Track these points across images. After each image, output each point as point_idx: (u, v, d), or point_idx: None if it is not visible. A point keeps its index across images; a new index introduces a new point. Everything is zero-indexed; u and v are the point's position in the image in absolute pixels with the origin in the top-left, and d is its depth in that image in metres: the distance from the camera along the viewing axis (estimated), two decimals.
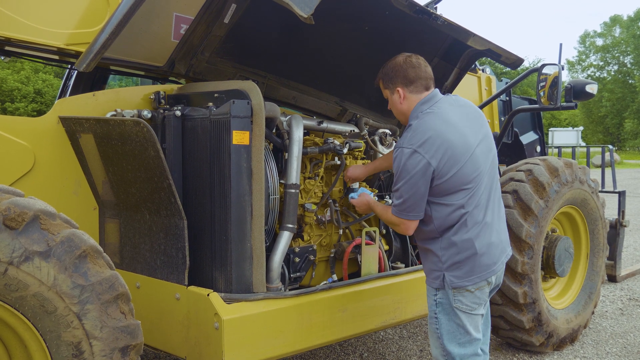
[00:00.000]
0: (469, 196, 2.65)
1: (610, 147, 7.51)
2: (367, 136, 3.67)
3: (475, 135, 2.71)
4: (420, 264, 3.81)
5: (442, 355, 2.77)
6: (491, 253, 2.71)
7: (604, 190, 6.63)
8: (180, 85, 3.35)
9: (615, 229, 6.41)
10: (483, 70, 5.91)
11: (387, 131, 3.85)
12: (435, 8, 4.38)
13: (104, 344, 2.15)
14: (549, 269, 4.35)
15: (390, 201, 3.62)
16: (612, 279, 6.56)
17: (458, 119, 2.70)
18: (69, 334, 2.10)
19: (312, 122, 3.50)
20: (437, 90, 2.81)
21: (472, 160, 2.65)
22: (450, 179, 2.61)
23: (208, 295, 2.66)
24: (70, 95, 3.80)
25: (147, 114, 2.97)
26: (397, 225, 2.76)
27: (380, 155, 3.71)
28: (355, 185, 3.52)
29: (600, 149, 7.75)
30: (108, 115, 2.94)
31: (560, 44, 4.58)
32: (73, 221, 2.22)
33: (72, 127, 2.93)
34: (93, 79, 3.88)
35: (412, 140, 2.62)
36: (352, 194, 3.37)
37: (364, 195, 3.26)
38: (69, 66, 3.77)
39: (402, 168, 2.62)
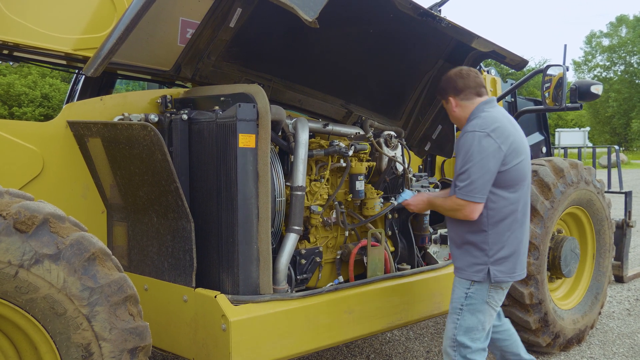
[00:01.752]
0: (520, 194, 2.85)
1: (617, 147, 7.48)
2: (372, 138, 3.68)
3: (525, 141, 2.97)
4: (426, 264, 3.83)
5: (451, 346, 2.92)
6: (526, 253, 2.95)
7: (610, 190, 6.61)
8: (186, 89, 3.38)
9: (622, 230, 6.39)
10: (488, 72, 5.91)
11: (392, 133, 3.87)
12: (440, 10, 4.39)
13: (113, 345, 2.18)
14: (555, 270, 4.35)
15: (395, 202, 3.67)
16: (619, 279, 6.54)
17: (515, 124, 2.97)
18: (78, 336, 2.12)
19: (317, 125, 3.52)
20: (494, 97, 3.10)
21: (526, 161, 2.89)
22: (511, 169, 2.80)
23: (215, 297, 2.68)
24: (77, 99, 3.84)
25: (154, 117, 3.00)
26: (462, 208, 2.80)
27: (386, 156, 3.72)
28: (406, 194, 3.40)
29: (606, 150, 7.72)
30: (115, 120, 2.97)
31: (565, 45, 4.58)
32: (82, 224, 2.25)
33: (80, 131, 2.97)
34: (100, 84, 3.92)
35: (483, 126, 2.81)
36: (402, 197, 3.35)
37: (418, 195, 3.28)
38: (77, 71, 3.81)
39: (473, 149, 2.76)
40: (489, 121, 2.83)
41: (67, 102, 3.97)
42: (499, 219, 2.83)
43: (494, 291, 2.89)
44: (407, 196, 3.34)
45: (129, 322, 2.23)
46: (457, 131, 4.29)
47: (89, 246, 2.16)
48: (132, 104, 3.12)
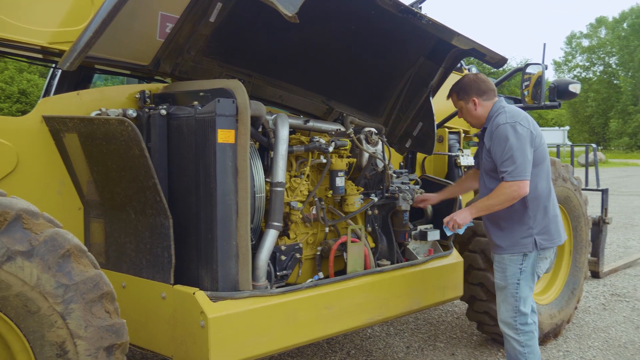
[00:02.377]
0: (546, 171, 3.36)
1: (594, 145, 7.59)
2: (352, 135, 3.68)
3: None
4: (406, 260, 3.85)
5: (513, 317, 3.35)
6: (561, 222, 3.43)
7: (587, 188, 6.70)
8: (165, 85, 3.34)
9: (599, 226, 6.49)
10: (469, 70, 5.95)
11: (373, 130, 3.87)
12: (420, 8, 4.41)
13: (88, 343, 2.15)
14: None
15: (375, 198, 3.73)
16: (595, 275, 6.64)
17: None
18: (52, 334, 2.09)
19: (298, 121, 3.51)
20: (503, 97, 3.54)
21: (545, 143, 3.37)
22: (538, 150, 3.28)
23: (194, 293, 2.66)
24: (54, 94, 3.78)
25: (132, 113, 2.96)
26: (517, 190, 3.16)
27: (366, 153, 3.72)
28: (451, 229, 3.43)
29: (584, 148, 7.83)
30: (93, 115, 2.93)
31: (544, 44, 4.63)
32: (56, 220, 2.21)
33: (56, 126, 2.92)
34: (77, 78, 3.85)
35: (511, 118, 3.26)
36: (458, 231, 3.41)
37: (461, 212, 3.40)
38: (53, 65, 3.75)
39: (509, 138, 3.19)
40: (515, 113, 3.31)
41: (44, 97, 3.90)
42: (535, 195, 3.28)
43: (541, 262, 3.38)
44: (461, 231, 3.43)
45: (105, 320, 2.20)
46: (437, 128, 4.31)
47: (64, 242, 2.12)
48: (109, 99, 3.07)
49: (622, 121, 49.63)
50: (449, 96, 3.62)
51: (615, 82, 52.72)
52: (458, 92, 3.52)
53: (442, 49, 3.87)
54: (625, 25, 52.02)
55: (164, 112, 2.90)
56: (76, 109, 2.97)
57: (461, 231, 3.43)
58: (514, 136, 3.19)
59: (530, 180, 3.20)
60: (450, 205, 4.06)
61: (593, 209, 7.89)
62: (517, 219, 3.31)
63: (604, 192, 6.70)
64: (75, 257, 2.15)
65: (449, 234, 3.46)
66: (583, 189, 5.46)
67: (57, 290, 2.08)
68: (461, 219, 3.36)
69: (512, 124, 3.22)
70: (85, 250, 2.21)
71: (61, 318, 2.09)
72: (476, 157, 3.72)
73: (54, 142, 2.98)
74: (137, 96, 3.12)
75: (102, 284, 2.20)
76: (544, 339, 4.44)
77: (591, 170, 7.25)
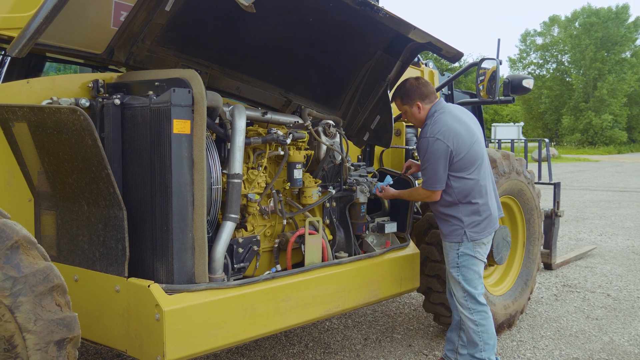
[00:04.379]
0: (478, 171, 3.58)
1: (547, 141, 7.79)
2: (310, 127, 3.68)
3: (476, 127, 3.68)
4: (364, 252, 3.88)
5: (463, 297, 3.66)
6: (495, 214, 3.69)
7: (540, 182, 6.88)
8: (120, 74, 3.27)
9: (551, 219, 6.67)
10: (426, 65, 6.02)
11: (331, 122, 3.88)
12: (377, 1, 4.43)
13: (38, 337, 2.09)
14: (488, 257, 4.48)
15: (333, 191, 3.78)
16: (547, 266, 6.84)
17: (461, 116, 3.66)
18: (0, 328, 2.02)
19: (256, 113, 3.49)
20: (442, 98, 3.78)
21: (477, 144, 3.60)
22: (464, 157, 3.52)
23: (148, 286, 2.62)
24: (2, 82, 3.65)
25: (85, 102, 2.89)
26: (428, 196, 3.64)
27: (324, 145, 3.73)
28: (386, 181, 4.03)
29: (537, 143, 8.03)
30: (43, 104, 2.84)
31: (499, 40, 4.72)
32: (4, 212, 2.14)
33: (4, 115, 2.82)
34: (28, 66, 3.74)
35: (432, 131, 3.52)
36: (377, 184, 3.99)
37: (386, 190, 3.97)
38: (2, 52, 3.63)
39: (428, 152, 3.51)
40: (437, 126, 3.53)
41: None
42: (465, 193, 3.55)
43: (478, 246, 3.62)
44: (387, 182, 4.00)
45: (55, 313, 2.14)
46: (395, 122, 4.35)
47: (12, 234, 2.05)
48: (61, 88, 2.98)
49: (574, 118, 51.12)
50: (392, 100, 3.85)
51: (567, 79, 54.23)
52: (402, 97, 3.73)
53: (400, 42, 3.90)
54: (577, 24, 53.53)
55: (117, 101, 2.84)
56: (26, 97, 2.87)
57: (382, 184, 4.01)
58: (430, 151, 3.50)
59: (457, 182, 3.54)
60: (407, 200, 4.11)
61: (546, 203, 8.12)
62: (449, 213, 3.63)
63: (556, 185, 6.89)
64: (24, 248, 2.09)
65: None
66: (536, 183, 5.60)
67: (4, 282, 2.01)
68: (384, 195, 3.99)
69: (431, 138, 3.50)
70: (35, 242, 2.15)
71: (9, 311, 2.03)
72: None
73: (3, 131, 2.88)
74: (90, 85, 3.05)
75: (52, 276, 2.14)
76: (498, 329, 4.54)
77: (544, 165, 7.45)
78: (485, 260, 3.72)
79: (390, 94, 4.17)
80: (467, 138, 3.54)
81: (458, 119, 3.60)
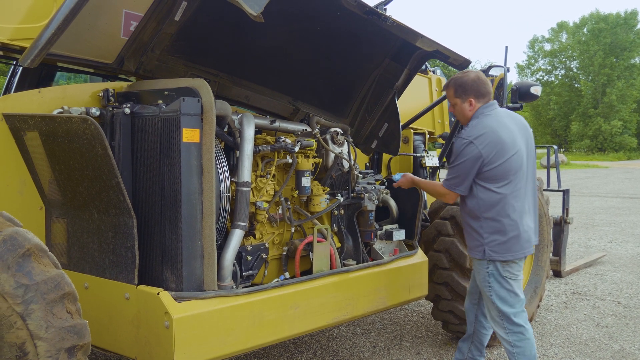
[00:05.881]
0: (510, 186, 3.33)
1: (555, 147, 7.76)
2: (318, 135, 3.70)
3: (522, 138, 3.43)
4: (372, 260, 3.89)
5: (498, 316, 3.45)
6: (528, 234, 3.41)
7: (549, 188, 6.85)
8: (130, 83, 3.31)
9: (560, 226, 6.64)
10: (434, 72, 6.04)
11: (339, 130, 3.90)
12: (385, 9, 4.46)
13: (49, 344, 2.11)
14: None
15: (341, 199, 3.79)
16: (557, 274, 6.80)
17: (509, 123, 3.41)
18: (12, 335, 2.05)
19: (264, 121, 3.51)
20: (495, 101, 3.53)
21: (517, 156, 3.34)
22: (498, 167, 3.30)
23: (158, 294, 2.64)
24: (15, 92, 3.70)
25: (95, 111, 2.92)
26: (445, 194, 3.50)
27: (332, 153, 3.75)
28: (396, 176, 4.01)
29: (546, 150, 8.00)
30: (55, 113, 2.88)
31: (506, 47, 4.73)
32: (16, 219, 2.17)
33: (17, 124, 2.86)
34: (39, 76, 3.79)
35: (470, 133, 3.35)
36: (394, 177, 3.97)
37: (406, 175, 3.89)
38: (14, 62, 3.67)
39: (460, 153, 3.35)
40: (477, 129, 3.35)
41: (4, 95, 3.82)
42: (487, 207, 3.35)
43: (507, 266, 3.39)
44: (397, 177, 3.94)
45: (66, 320, 2.16)
46: (402, 129, 4.36)
47: (24, 242, 2.08)
48: (72, 97, 3.02)
49: (583, 124, 50.93)
50: (445, 88, 3.61)
51: (576, 85, 54.07)
52: (457, 89, 3.50)
53: (407, 50, 3.92)
54: (585, 30, 53.42)
55: (127, 110, 2.87)
56: (37, 107, 2.91)
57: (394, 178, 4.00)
58: (462, 153, 3.34)
59: (483, 194, 3.34)
60: (415, 207, 4.11)
61: (555, 210, 8.08)
62: (472, 225, 3.46)
63: (565, 192, 6.86)
64: (36, 256, 2.12)
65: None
66: (545, 190, 5.59)
67: (16, 290, 2.04)
68: (402, 183, 3.91)
69: (467, 141, 3.33)
70: (46, 250, 2.18)
71: (21, 319, 2.05)
72: None
73: (15, 140, 2.92)
74: (100, 94, 3.08)
75: (63, 284, 2.16)
76: None
77: (553, 171, 7.42)
78: (521, 277, 3.48)
79: (397, 102, 4.18)
80: (507, 148, 3.30)
81: (503, 126, 3.36)
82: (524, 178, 3.40)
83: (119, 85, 3.19)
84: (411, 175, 3.89)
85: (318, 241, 3.48)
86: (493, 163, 3.29)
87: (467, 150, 3.31)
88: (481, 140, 3.29)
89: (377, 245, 4.00)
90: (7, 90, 3.90)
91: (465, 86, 3.45)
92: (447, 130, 5.85)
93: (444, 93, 5.93)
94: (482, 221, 3.38)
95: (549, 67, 56.47)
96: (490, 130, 3.31)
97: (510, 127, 3.39)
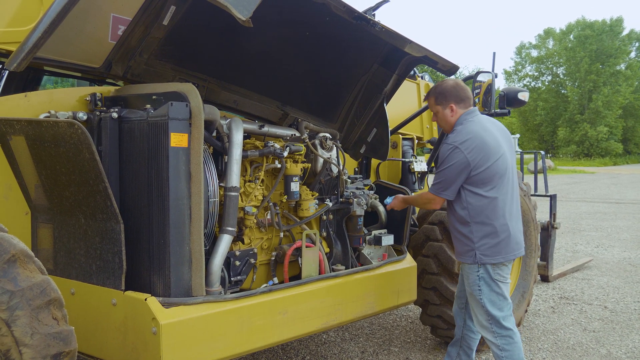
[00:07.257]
0: (498, 189, 3.38)
1: (542, 153, 7.81)
2: (307, 140, 3.70)
3: (505, 142, 3.50)
4: (360, 265, 3.88)
5: (487, 320, 3.47)
6: (517, 236, 3.47)
7: (536, 194, 6.90)
8: (117, 87, 3.29)
9: (547, 231, 6.68)
10: (422, 78, 6.06)
11: (328, 135, 3.90)
12: (374, 15, 4.47)
13: (34, 351, 2.08)
14: None
15: (330, 204, 3.78)
16: (544, 278, 6.84)
17: (491, 128, 3.49)
18: None
19: (253, 126, 3.50)
20: (476, 107, 3.59)
21: (502, 159, 3.40)
22: (485, 171, 3.34)
23: (145, 299, 2.61)
24: (0, 96, 3.67)
25: (82, 115, 2.90)
26: (432, 200, 3.53)
27: (321, 158, 3.75)
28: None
29: (533, 155, 8.05)
30: (41, 117, 2.85)
31: (494, 53, 4.76)
32: (2, 225, 2.14)
33: (3, 128, 2.83)
34: (26, 80, 3.76)
35: (455, 139, 3.39)
36: (386, 201, 3.96)
37: (397, 197, 3.91)
38: (0, 66, 3.64)
39: (445, 158, 3.38)
40: (463, 134, 3.39)
41: None
42: (478, 211, 3.39)
43: (498, 268, 3.43)
44: (389, 200, 3.93)
45: (52, 327, 2.13)
46: (391, 135, 4.37)
47: (9, 247, 2.06)
48: (59, 102, 3.00)
49: (569, 129, 51.35)
50: (426, 98, 3.67)
51: (562, 91, 54.54)
52: (437, 97, 3.57)
53: (396, 56, 3.93)
54: (571, 36, 53.93)
55: (115, 115, 2.85)
56: (24, 111, 2.89)
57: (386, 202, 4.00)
58: (448, 158, 3.37)
59: (472, 198, 3.38)
60: (404, 212, 4.12)
61: (542, 215, 8.13)
62: (462, 231, 3.48)
63: (553, 197, 6.91)
64: (21, 262, 2.09)
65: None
66: (532, 195, 5.62)
67: (1, 296, 2.01)
68: (395, 205, 3.90)
69: (453, 146, 3.37)
70: (32, 256, 2.15)
71: (6, 325, 2.02)
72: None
73: (0, 145, 2.89)
74: (87, 99, 3.06)
75: (49, 290, 2.14)
76: None
77: (540, 177, 7.47)
78: (509, 280, 3.52)
79: (386, 107, 4.19)
80: (492, 152, 3.37)
81: (487, 131, 3.43)
82: (510, 181, 3.47)
83: (107, 90, 3.17)
84: (401, 195, 3.94)
85: (307, 246, 3.47)
86: (480, 167, 3.34)
87: (452, 155, 3.35)
88: (466, 145, 3.34)
89: (366, 250, 4.00)
90: None
91: (445, 93, 3.53)
92: (436, 135, 5.87)
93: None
94: (472, 226, 3.42)
95: (536, 73, 56.93)
96: (475, 136, 3.37)
97: (493, 132, 3.47)
